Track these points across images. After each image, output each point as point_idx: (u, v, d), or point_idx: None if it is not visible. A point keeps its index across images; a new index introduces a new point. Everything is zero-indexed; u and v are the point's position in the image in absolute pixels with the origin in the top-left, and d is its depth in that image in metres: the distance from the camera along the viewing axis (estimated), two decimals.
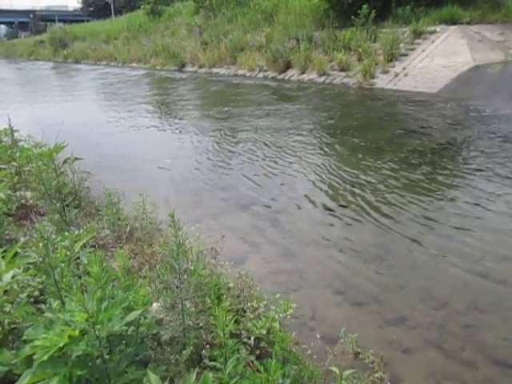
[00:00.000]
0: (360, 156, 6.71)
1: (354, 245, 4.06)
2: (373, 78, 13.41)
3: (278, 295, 2.55)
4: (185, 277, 2.09)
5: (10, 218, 3.78)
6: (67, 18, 74.60)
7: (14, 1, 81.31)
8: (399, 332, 2.87)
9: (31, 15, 76.45)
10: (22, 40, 63.28)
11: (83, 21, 56.98)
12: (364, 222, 4.50)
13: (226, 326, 1.82)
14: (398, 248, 3.98)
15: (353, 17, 15.47)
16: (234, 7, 23.76)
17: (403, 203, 4.90)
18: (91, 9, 64.38)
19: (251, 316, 2.39)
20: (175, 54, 22.53)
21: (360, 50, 14.36)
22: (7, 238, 3.35)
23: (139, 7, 36.26)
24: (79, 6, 69.56)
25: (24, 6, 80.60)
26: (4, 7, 79.00)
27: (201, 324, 2.22)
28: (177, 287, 2.01)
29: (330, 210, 4.86)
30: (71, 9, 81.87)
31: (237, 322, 2.32)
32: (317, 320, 2.99)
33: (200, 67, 20.74)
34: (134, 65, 26.44)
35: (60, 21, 72.09)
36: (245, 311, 2.47)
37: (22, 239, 3.37)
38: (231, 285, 2.67)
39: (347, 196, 5.21)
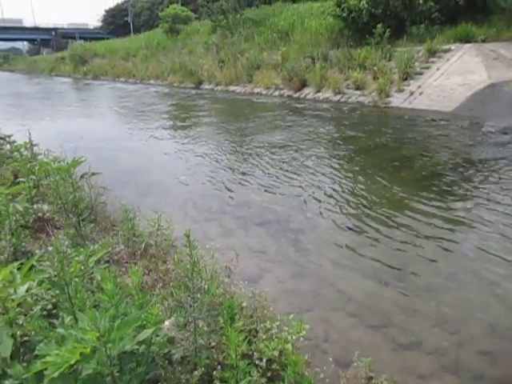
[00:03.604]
0: (376, 176, 6.67)
1: (369, 266, 4.01)
2: (388, 96, 13.40)
3: (291, 316, 2.52)
4: (198, 296, 2.08)
5: (27, 231, 3.84)
6: (88, 35, 76.58)
7: (37, 19, 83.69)
8: (414, 357, 2.81)
9: (53, 33, 78.70)
10: (43, 56, 65.07)
11: (103, 38, 58.39)
12: (380, 243, 4.44)
13: (239, 346, 1.80)
14: (415, 270, 3.91)
15: (368, 36, 15.59)
16: (251, 26, 24.11)
17: (419, 224, 4.83)
18: (111, 27, 66.08)
19: (264, 337, 2.37)
20: (192, 71, 22.86)
21: (375, 68, 14.40)
22: (23, 250, 3.39)
23: (158, 26, 37.05)
24: (99, 24, 71.51)
25: (47, 23, 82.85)
26: (27, 25, 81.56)
27: (213, 344, 2.20)
28: (190, 306, 2.01)
29: (346, 229, 4.82)
30: (92, 27, 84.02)
31: (249, 342, 2.30)
32: (330, 342, 2.94)
33: (217, 85, 20.99)
34: (152, 82, 26.89)
35: (81, 38, 74.01)
36: (257, 331, 2.44)
37: (38, 252, 3.41)
38: (244, 304, 2.65)
39: (363, 216, 5.16)
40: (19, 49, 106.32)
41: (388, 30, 14.94)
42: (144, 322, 1.62)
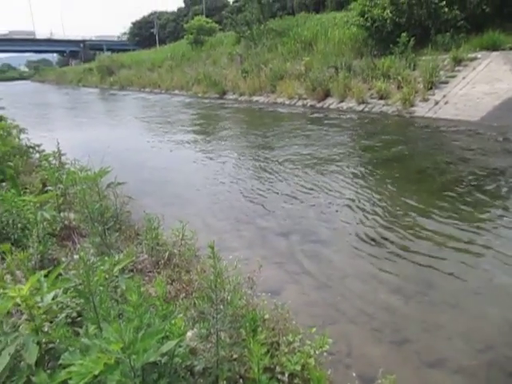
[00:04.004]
0: (401, 187, 6.58)
1: (393, 279, 3.94)
2: (412, 106, 13.24)
3: (314, 329, 2.49)
4: (221, 307, 2.08)
5: (54, 239, 3.92)
6: (115, 47, 78.45)
7: (66, 31, 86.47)
8: (440, 375, 2.73)
9: (81, 44, 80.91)
10: (72, 67, 66.96)
11: (129, 50, 59.74)
12: (405, 256, 4.36)
13: (261, 360, 1.79)
14: (440, 284, 3.82)
15: (392, 45, 15.48)
16: (274, 37, 24.27)
17: (446, 237, 4.73)
18: (137, 39, 67.55)
19: (286, 350, 2.34)
20: (216, 82, 23.11)
21: (399, 78, 14.26)
22: (50, 257, 3.46)
23: (183, 37, 37.67)
24: (126, 35, 73.20)
25: (75, 36, 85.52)
26: (57, 37, 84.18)
27: (235, 356, 2.19)
28: (213, 317, 2.00)
29: (370, 242, 4.75)
30: (119, 38, 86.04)
31: (271, 355, 2.27)
32: (353, 357, 2.89)
33: (240, 95, 21.14)
34: (177, 92, 27.28)
35: (108, 50, 75.93)
36: (279, 345, 2.42)
37: (64, 259, 3.48)
38: (267, 316, 2.62)
39: (386, 228, 5.08)
40: (49, 60, 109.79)
41: (412, 38, 14.82)
42: (167, 334, 1.63)
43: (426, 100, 13.15)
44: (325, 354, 2.29)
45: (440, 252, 4.39)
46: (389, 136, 10.56)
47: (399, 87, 14.15)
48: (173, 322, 1.75)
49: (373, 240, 4.77)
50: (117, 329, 1.30)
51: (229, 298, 2.21)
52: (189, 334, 2.24)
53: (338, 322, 3.29)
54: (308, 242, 4.85)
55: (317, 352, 2.24)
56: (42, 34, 76.37)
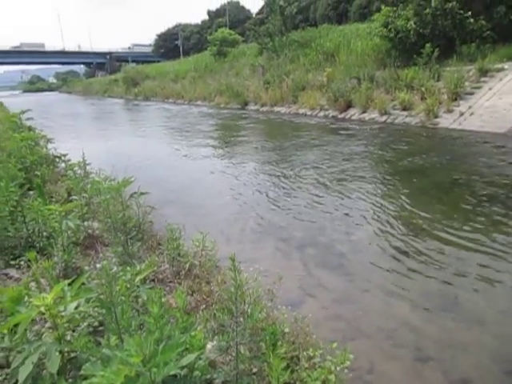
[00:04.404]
0: (423, 199, 6.48)
1: (416, 294, 3.86)
2: (436, 117, 13.06)
3: (334, 344, 2.45)
4: (241, 320, 2.07)
5: (77, 248, 3.98)
6: (140, 58, 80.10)
7: (93, 43, 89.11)
8: None
9: (108, 56, 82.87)
10: (98, 79, 68.61)
11: (154, 61, 60.88)
12: (427, 271, 4.26)
13: (281, 375, 1.77)
14: (465, 300, 3.72)
15: (415, 56, 15.35)
16: (297, 48, 24.38)
17: (471, 251, 4.62)
18: (162, 50, 68.82)
19: (306, 365, 2.31)
20: (238, 92, 23.30)
21: (423, 89, 14.10)
22: (73, 266, 3.52)
23: (206, 49, 38.20)
24: (151, 47, 74.66)
25: (102, 48, 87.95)
26: (84, 49, 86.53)
27: (254, 370, 2.17)
28: (233, 330, 2.00)
29: (391, 255, 4.67)
30: (144, 50, 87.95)
31: (291, 370, 2.25)
32: (375, 374, 2.83)
33: (262, 106, 21.25)
34: (199, 103, 27.61)
35: (133, 61, 77.50)
36: (299, 359, 2.39)
37: (87, 268, 3.53)
38: (287, 330, 2.60)
39: (409, 241, 4.99)
40: (77, 72, 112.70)
41: (436, 49, 14.67)
42: (187, 346, 1.63)
43: (450, 111, 12.96)
44: (346, 370, 2.25)
45: (464, 267, 4.28)
46: (411, 147, 10.42)
47: (423, 98, 13.99)
48: (193, 333, 1.75)
49: (394, 254, 4.69)
50: (138, 342, 1.30)
51: (249, 310, 2.20)
52: (208, 346, 2.24)
53: (358, 338, 3.23)
54: (328, 254, 4.80)
55: (338, 368, 2.21)
56: (34, 45, 77.90)
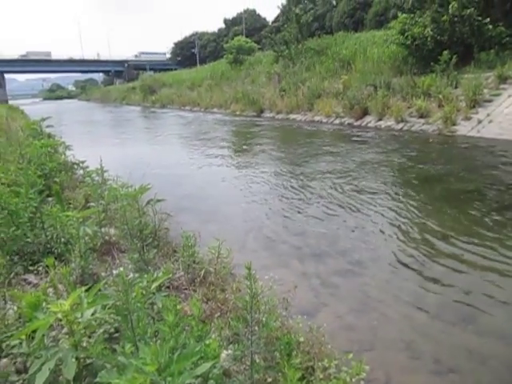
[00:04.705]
0: (441, 208, 6.39)
1: (434, 304, 3.79)
2: (454, 124, 12.90)
3: (350, 355, 2.42)
4: (256, 328, 2.06)
5: (94, 254, 4.03)
6: (157, 66, 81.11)
7: (112, 51, 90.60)
8: None
9: (125, 64, 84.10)
10: (116, 86, 69.63)
11: (171, 69, 61.56)
12: (447, 280, 4.20)
13: None
14: (486, 312, 3.64)
15: (432, 63, 15.23)
16: (312, 56, 24.40)
17: (489, 261, 4.53)
18: (179, 58, 69.64)
19: (321, 376, 2.28)
20: (254, 100, 23.39)
21: (440, 96, 13.96)
22: (90, 272, 3.55)
23: (222, 57, 38.49)
24: (168, 55, 75.61)
25: (120, 56, 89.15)
26: (103, 58, 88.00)
27: (269, 380, 2.15)
28: (247, 339, 1.99)
29: (409, 264, 4.61)
30: (161, 58, 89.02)
31: (306, 381, 2.23)
32: None
33: (277, 113, 21.29)
34: (215, 110, 27.79)
35: (150, 69, 78.50)
36: (314, 370, 2.36)
37: (103, 274, 3.56)
38: (302, 339, 2.58)
39: (428, 251, 4.92)
40: (95, 80, 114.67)
41: (454, 56, 14.52)
42: (202, 355, 1.63)
43: (468, 119, 12.80)
44: (361, 381, 2.22)
45: (485, 278, 4.20)
46: (428, 155, 10.31)
47: (440, 105, 13.85)
48: (208, 342, 1.74)
49: (410, 263, 4.63)
50: (153, 350, 1.31)
51: (264, 319, 2.19)
52: (223, 354, 2.23)
53: (375, 348, 3.19)
54: (343, 263, 4.76)
55: (353, 379, 2.18)
56: (40, 53, 79.21)
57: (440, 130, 13.02)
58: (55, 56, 79.49)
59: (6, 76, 76.66)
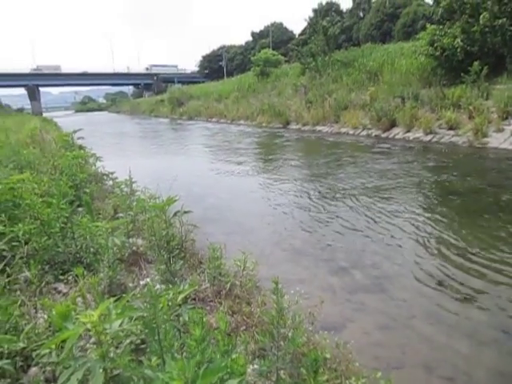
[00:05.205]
0: (472, 222, 6.21)
1: (466, 323, 3.66)
2: (485, 136, 12.59)
3: (379, 374, 2.36)
4: (282, 344, 2.04)
5: (122, 264, 4.08)
6: (185, 79, 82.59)
7: (141, 65, 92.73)
8: None
9: (155, 77, 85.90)
10: (145, 99, 71.13)
11: (199, 82, 62.54)
12: (478, 299, 4.06)
13: None
14: None
15: (462, 74, 14.97)
16: (339, 68, 24.37)
17: None
18: (206, 71, 70.69)
19: None
20: (280, 112, 23.47)
21: (471, 107, 13.68)
22: (118, 282, 3.59)
23: (249, 69, 38.88)
24: (196, 68, 76.89)
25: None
26: (133, 71, 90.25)
27: None
28: (274, 354, 1.96)
29: (438, 280, 4.49)
30: (189, 71, 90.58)
31: None
32: None
33: (304, 125, 21.28)
34: (242, 122, 27.99)
35: (179, 82, 79.96)
36: None
37: (131, 285, 3.60)
38: (328, 356, 2.53)
39: (457, 267, 4.78)
40: (125, 92, 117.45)
41: (485, 67, 14.24)
42: (228, 370, 1.61)
43: (500, 130, 12.48)
44: None
45: None
46: (459, 167, 10.07)
47: (470, 117, 13.57)
48: (234, 357, 1.73)
49: (441, 279, 4.50)
50: (180, 365, 1.30)
51: (290, 334, 2.16)
52: (248, 369, 2.21)
53: (404, 367, 3.10)
54: (371, 277, 4.67)
55: None
56: (49, 67, 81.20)
57: (470, 142, 12.73)
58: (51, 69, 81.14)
59: (41, 89, 79.40)
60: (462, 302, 4.03)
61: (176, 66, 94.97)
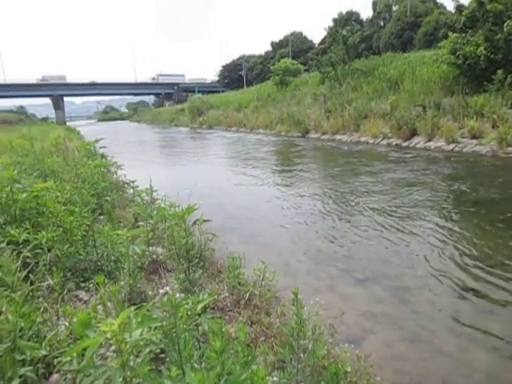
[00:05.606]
0: (497, 234, 6.06)
1: (491, 338, 3.56)
2: (510, 145, 12.32)
3: None
4: (301, 356, 2.01)
5: (142, 273, 4.10)
6: (205, 89, 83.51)
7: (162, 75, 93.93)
8: None
9: (175, 87, 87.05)
10: (165, 108, 72.02)
11: (219, 91, 63.10)
12: (502, 313, 3.95)
13: None
14: None
15: (486, 82, 14.73)
16: (359, 77, 24.27)
17: None
18: (226, 81, 71.28)
19: None
20: (300, 121, 23.45)
21: (494, 116, 13.44)
22: (138, 290, 3.61)
23: (269, 78, 39.04)
24: (216, 78, 77.63)
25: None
26: (154, 81, 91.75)
27: None
28: (293, 367, 1.94)
29: (462, 293, 4.38)
30: (209, 81, 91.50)
31: None
32: None
33: (323, 134, 21.21)
34: (261, 131, 28.06)
35: (199, 92, 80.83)
36: None
37: (150, 293, 3.62)
38: (348, 369, 2.48)
39: (482, 279, 4.66)
40: (146, 102, 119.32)
41: (510, 75, 13.99)
42: (248, 382, 1.60)
43: None
44: None
45: None
46: (481, 178, 9.87)
47: (494, 126, 13.32)
48: (254, 368, 1.71)
49: (464, 291, 4.39)
50: (200, 377, 1.30)
51: (309, 346, 2.13)
52: (268, 382, 2.18)
53: (427, 382, 3.02)
54: (392, 288, 4.59)
55: None
56: (54, 77, 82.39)
57: (494, 152, 12.48)
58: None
59: (65, 99, 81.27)
60: (485, 315, 3.92)
61: (183, 75, 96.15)
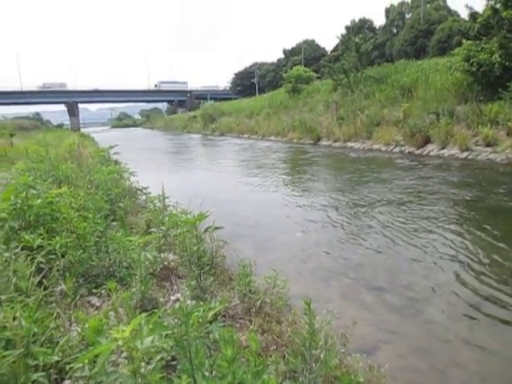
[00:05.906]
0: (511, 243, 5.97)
1: (505, 350, 3.49)
2: None
3: None
4: (313, 365, 1.99)
5: (154, 279, 4.11)
6: (217, 96, 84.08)
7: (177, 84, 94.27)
8: None
9: (188, 94, 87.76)
10: (178, 115, 72.62)
11: (231, 99, 63.46)
12: None
13: None
14: None
15: (500, 89, 14.58)
16: (372, 84, 24.19)
17: None
18: (238, 88, 71.66)
19: None
20: (311, 128, 23.44)
21: (509, 124, 13.29)
22: (149, 297, 3.62)
23: (281, 86, 39.15)
24: (229, 85, 78.13)
25: (182, 86, 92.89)
26: (165, 88, 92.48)
27: None
28: (305, 377, 1.92)
29: (477, 303, 4.30)
30: (222, 88, 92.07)
31: None
32: None
33: (335, 141, 21.16)
34: (273, 138, 28.11)
35: (211, 99, 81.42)
36: None
37: (162, 299, 3.62)
38: (361, 379, 2.45)
39: (497, 290, 4.57)
40: (159, 109, 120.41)
41: None
42: None
43: None
44: None
45: None
46: (496, 186, 9.73)
47: (509, 134, 13.18)
48: (265, 378, 1.70)
49: (479, 302, 4.32)
50: None
51: (321, 356, 2.11)
52: None
53: None
54: (404, 298, 4.53)
55: None
56: (55, 85, 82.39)
57: (509, 160, 12.32)
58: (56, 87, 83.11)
59: (80, 106, 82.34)
60: (501, 326, 3.85)
61: (186, 83, 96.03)
